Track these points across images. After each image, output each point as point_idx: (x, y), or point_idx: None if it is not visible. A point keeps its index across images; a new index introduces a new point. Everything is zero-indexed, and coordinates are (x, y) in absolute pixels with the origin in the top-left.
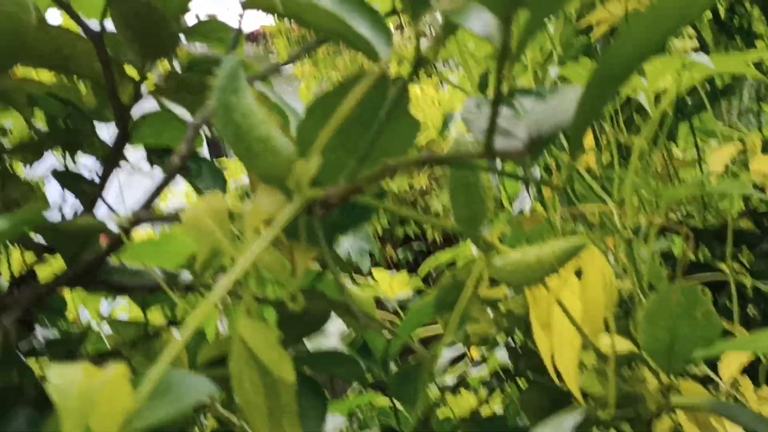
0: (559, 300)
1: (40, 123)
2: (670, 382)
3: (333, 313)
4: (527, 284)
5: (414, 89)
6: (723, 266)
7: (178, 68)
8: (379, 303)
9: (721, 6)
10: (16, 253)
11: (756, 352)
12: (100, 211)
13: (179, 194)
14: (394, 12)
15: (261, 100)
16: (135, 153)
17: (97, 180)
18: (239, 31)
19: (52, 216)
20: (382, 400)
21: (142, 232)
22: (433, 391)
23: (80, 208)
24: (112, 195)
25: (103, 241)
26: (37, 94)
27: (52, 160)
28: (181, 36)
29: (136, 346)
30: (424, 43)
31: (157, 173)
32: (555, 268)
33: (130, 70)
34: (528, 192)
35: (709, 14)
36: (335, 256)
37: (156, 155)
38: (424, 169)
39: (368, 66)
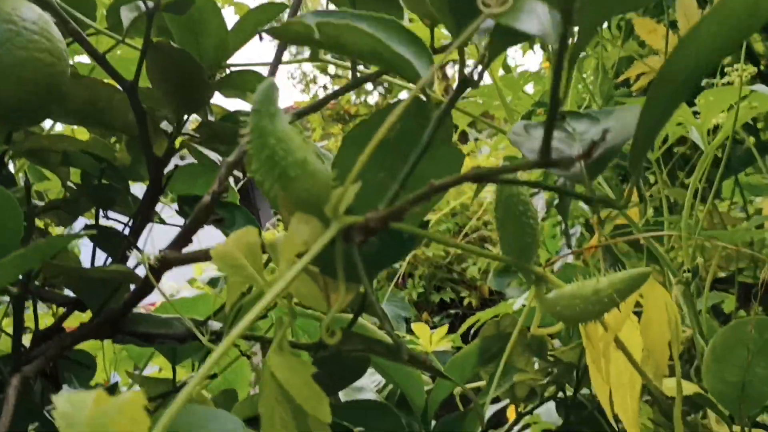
0: (617, 339)
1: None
2: (743, 429)
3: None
4: (583, 320)
5: None
6: None
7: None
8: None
9: None
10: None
11: None
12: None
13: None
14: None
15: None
16: (167, 210)
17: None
18: (276, 61)
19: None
20: None
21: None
22: None
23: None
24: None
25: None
26: (72, 150)
27: (84, 221)
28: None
29: (165, 402)
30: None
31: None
32: (614, 301)
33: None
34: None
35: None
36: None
37: (188, 204)
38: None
39: None
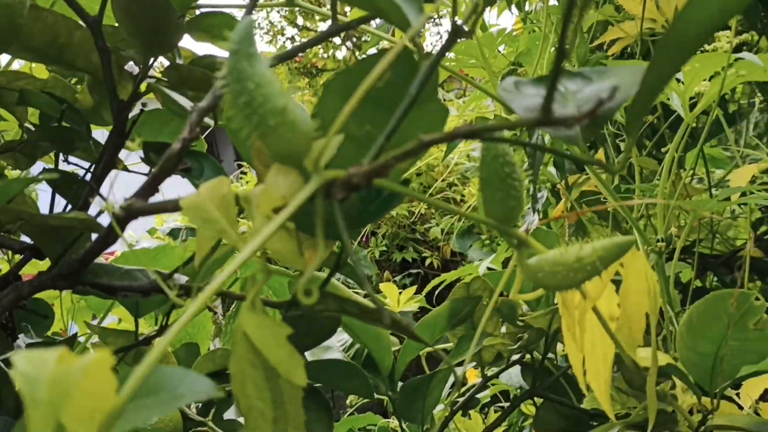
0: (595, 308)
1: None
2: (712, 402)
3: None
4: (565, 287)
5: None
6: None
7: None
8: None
9: None
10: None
11: None
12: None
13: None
14: None
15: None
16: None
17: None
18: (252, 3)
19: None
20: (377, 420)
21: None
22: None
23: None
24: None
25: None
26: (30, 90)
27: (42, 165)
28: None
29: (126, 356)
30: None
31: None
32: (597, 269)
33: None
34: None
35: None
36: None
37: (155, 152)
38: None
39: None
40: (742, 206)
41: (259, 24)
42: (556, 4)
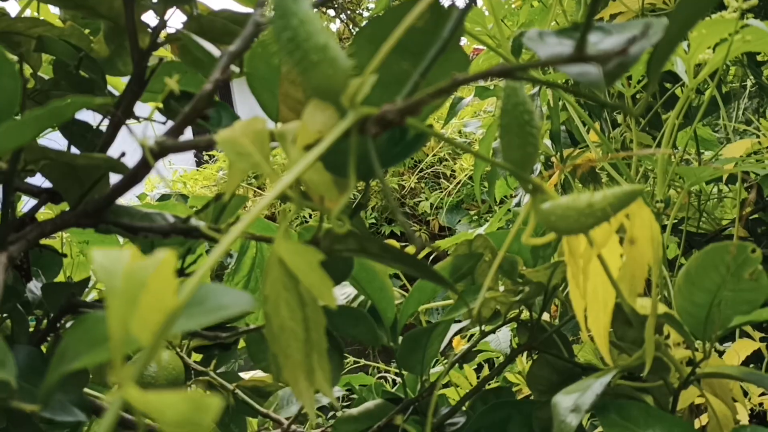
0: (600, 256)
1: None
2: (704, 349)
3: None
4: (576, 231)
5: None
6: None
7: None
8: None
9: None
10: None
11: None
12: None
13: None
14: None
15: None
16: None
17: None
18: None
19: None
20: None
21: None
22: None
23: None
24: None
25: None
26: (48, 37)
27: None
28: None
29: None
30: None
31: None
32: (607, 215)
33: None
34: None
35: None
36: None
37: (177, 100)
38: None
39: None
40: (729, 186)
41: None
42: None
